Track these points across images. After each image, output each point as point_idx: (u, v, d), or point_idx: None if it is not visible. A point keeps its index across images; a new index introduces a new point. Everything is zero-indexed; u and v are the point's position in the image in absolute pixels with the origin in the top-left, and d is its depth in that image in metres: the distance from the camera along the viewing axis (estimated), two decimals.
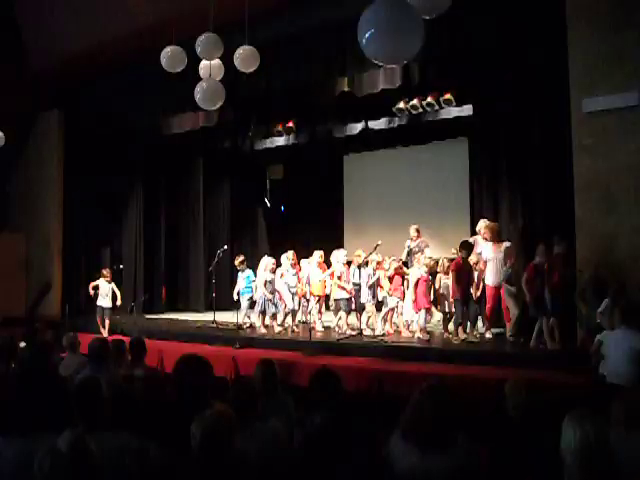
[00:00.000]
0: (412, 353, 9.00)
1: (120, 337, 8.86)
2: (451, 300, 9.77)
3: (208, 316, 12.66)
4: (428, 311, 10.00)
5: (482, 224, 10.10)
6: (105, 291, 12.43)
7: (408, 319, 10.52)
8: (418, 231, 11.56)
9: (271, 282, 11.30)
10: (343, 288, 10.80)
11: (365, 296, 10.60)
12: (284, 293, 11.39)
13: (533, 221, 10.38)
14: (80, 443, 3.18)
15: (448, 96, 12.09)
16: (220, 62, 8.82)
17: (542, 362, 7.86)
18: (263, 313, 11.37)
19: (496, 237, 9.71)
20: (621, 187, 8.80)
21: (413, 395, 3.83)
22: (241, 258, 12.16)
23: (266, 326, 11.49)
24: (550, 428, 3.21)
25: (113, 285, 12.66)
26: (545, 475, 3.23)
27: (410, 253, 11.30)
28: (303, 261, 11.67)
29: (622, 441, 3.35)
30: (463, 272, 9.44)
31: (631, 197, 8.73)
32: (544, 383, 6.54)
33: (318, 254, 11.45)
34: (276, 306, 11.32)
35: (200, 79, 8.76)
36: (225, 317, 12.22)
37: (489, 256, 9.59)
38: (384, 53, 5.14)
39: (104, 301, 12.47)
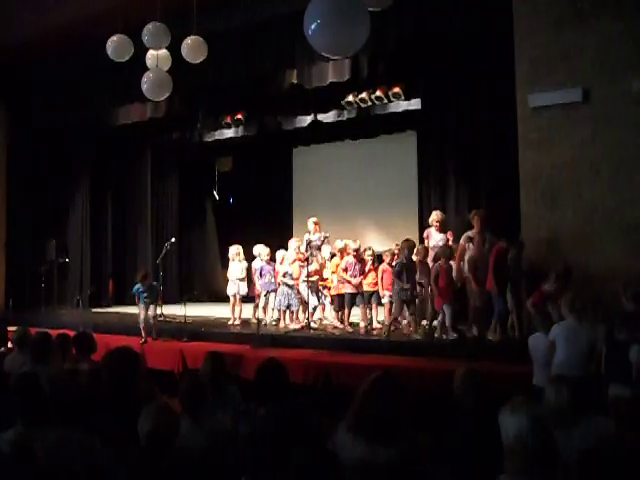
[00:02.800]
0: (360, 345, 9.05)
1: (65, 331, 8.70)
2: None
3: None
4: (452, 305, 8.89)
5: (435, 216, 10.03)
6: None
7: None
8: (316, 224, 11.22)
9: (291, 275, 10.59)
10: (349, 282, 10.03)
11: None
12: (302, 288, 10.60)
13: None
14: (22, 442, 3.11)
15: (397, 90, 12.14)
16: (167, 52, 8.72)
17: (490, 353, 7.97)
18: (288, 308, 10.61)
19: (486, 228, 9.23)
20: (565, 181, 8.98)
21: (361, 386, 3.84)
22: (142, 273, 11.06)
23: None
24: (496, 416, 3.25)
25: None
26: (490, 462, 3.26)
27: (310, 247, 11.03)
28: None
29: (561, 431, 3.42)
30: (504, 262, 8.48)
31: (574, 191, 8.92)
32: (491, 373, 6.60)
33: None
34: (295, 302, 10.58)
35: (147, 69, 8.65)
36: (173, 310, 12.10)
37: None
38: (330, 45, 5.13)
39: None
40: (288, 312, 10.63)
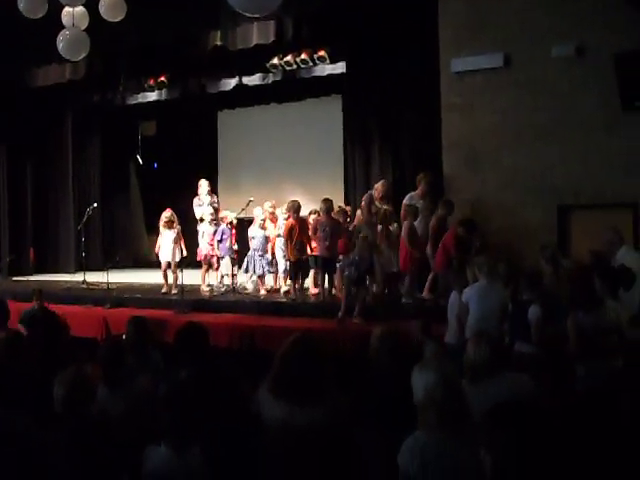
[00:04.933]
0: (284, 308, 9.09)
1: None
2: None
3: (78, 277, 12.29)
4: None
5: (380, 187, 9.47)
6: None
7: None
8: (209, 186, 11.36)
9: (255, 238, 10.27)
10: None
11: None
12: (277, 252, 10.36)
13: (403, 178, 10.58)
14: None
15: (322, 53, 12.03)
16: (84, 10, 8.38)
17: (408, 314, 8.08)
18: (261, 277, 10.32)
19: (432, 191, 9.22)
20: (486, 146, 9.18)
21: (280, 348, 3.86)
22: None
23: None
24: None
25: None
26: (407, 419, 3.32)
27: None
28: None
29: (468, 390, 3.51)
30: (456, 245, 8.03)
31: (495, 156, 9.11)
32: (407, 333, 6.70)
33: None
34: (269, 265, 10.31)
35: (63, 27, 8.33)
36: (95, 277, 11.88)
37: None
38: (245, 2, 5.04)
39: None
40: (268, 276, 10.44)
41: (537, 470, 2.60)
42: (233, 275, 10.65)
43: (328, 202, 9.32)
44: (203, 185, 11.25)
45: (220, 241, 10.60)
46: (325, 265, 9.28)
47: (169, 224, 10.65)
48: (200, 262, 10.92)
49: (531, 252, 8.08)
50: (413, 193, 9.29)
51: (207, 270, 10.91)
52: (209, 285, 10.89)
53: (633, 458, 2.86)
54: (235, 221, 10.82)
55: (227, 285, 10.70)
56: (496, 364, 4.02)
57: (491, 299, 6.16)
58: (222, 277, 10.95)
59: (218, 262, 10.89)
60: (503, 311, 6.13)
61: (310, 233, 9.48)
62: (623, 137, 8.41)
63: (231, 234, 10.71)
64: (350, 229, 9.55)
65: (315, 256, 9.38)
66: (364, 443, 3.75)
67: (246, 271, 10.42)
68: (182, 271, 10.14)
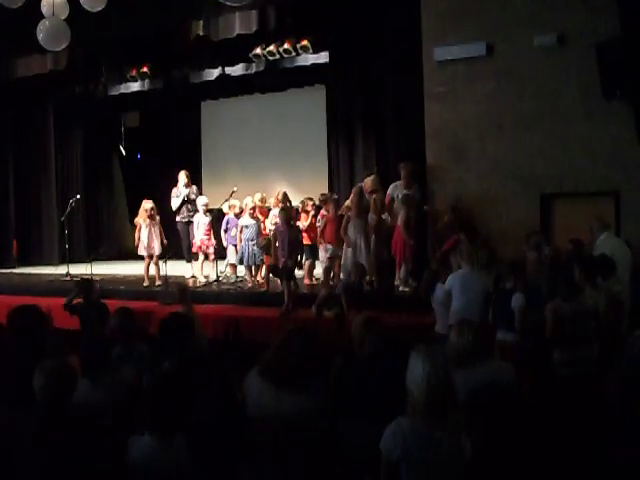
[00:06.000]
0: (268, 299, 9.08)
1: None
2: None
3: (62, 269, 12.24)
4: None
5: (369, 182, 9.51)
6: None
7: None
8: (188, 177, 11.43)
9: (247, 227, 10.11)
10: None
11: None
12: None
13: (387, 167, 10.59)
14: None
15: (305, 43, 11.98)
16: None
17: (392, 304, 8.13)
18: (249, 267, 10.15)
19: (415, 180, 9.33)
20: (469, 134, 9.20)
21: (279, 335, 3.90)
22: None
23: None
24: (396, 364, 3.33)
25: None
26: (392, 406, 3.34)
27: (185, 201, 11.24)
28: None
29: (460, 372, 3.54)
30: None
31: (478, 144, 9.13)
32: (389, 323, 6.71)
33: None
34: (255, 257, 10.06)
35: (43, 17, 8.24)
36: (79, 269, 11.83)
37: None
38: None
39: None
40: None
41: (515, 454, 2.63)
42: (227, 265, 10.69)
43: (286, 211, 9.18)
44: (181, 177, 11.28)
45: (225, 230, 10.65)
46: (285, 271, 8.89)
47: (151, 215, 10.44)
48: (187, 253, 10.95)
49: (514, 240, 8.14)
50: (397, 183, 9.32)
51: (204, 261, 10.93)
52: (206, 276, 10.88)
53: (607, 442, 2.90)
54: (238, 210, 10.73)
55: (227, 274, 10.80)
56: (478, 351, 4.04)
57: (473, 286, 6.19)
58: (229, 265, 10.94)
59: (214, 252, 10.91)
60: (486, 298, 6.17)
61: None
62: (605, 126, 8.46)
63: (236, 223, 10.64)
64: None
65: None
66: (348, 430, 3.78)
67: (240, 262, 10.34)
68: (165, 262, 10.11)
